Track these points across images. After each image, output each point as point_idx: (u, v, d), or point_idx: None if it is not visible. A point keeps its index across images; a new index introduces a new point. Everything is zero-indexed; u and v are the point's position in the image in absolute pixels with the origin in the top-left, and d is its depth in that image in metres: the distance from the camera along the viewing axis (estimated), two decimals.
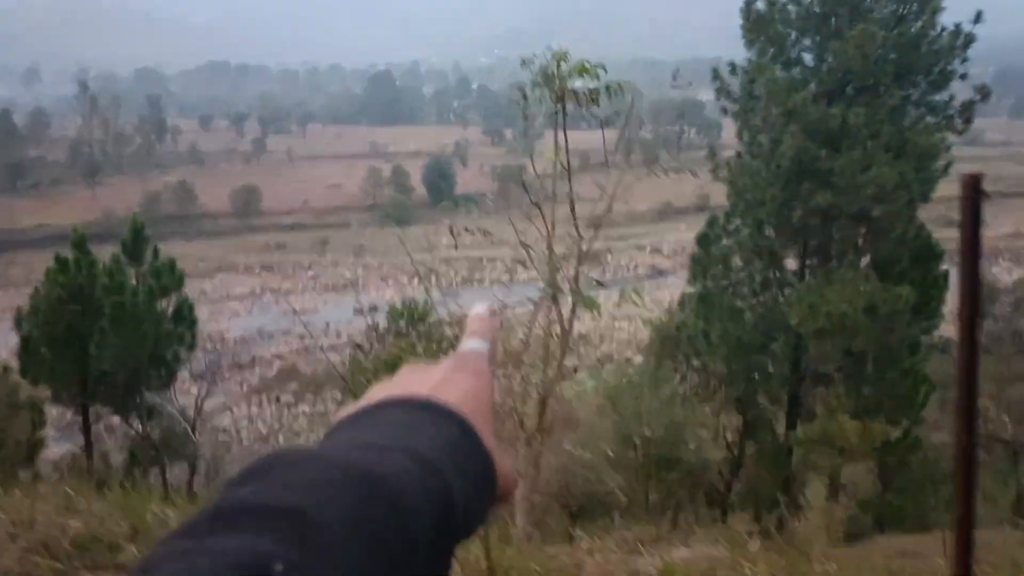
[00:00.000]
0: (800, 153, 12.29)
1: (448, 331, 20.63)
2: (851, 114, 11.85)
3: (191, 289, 51.69)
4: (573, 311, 4.19)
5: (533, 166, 5.08)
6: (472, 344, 0.61)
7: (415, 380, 0.55)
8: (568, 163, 4.34)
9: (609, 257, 52.52)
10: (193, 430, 15.78)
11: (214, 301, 46.05)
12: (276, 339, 40.31)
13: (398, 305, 19.75)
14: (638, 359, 25.66)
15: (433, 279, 49.22)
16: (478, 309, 0.64)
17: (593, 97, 3.41)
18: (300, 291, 48.37)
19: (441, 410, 0.51)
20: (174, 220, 61.62)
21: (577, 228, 4.31)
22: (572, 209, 4.26)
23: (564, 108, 3.32)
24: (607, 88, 3.45)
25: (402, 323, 18.45)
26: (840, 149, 11.99)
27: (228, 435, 30.10)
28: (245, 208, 64.96)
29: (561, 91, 3.20)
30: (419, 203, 67.76)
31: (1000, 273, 42.49)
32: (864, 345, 12.04)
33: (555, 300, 3.86)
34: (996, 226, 59.71)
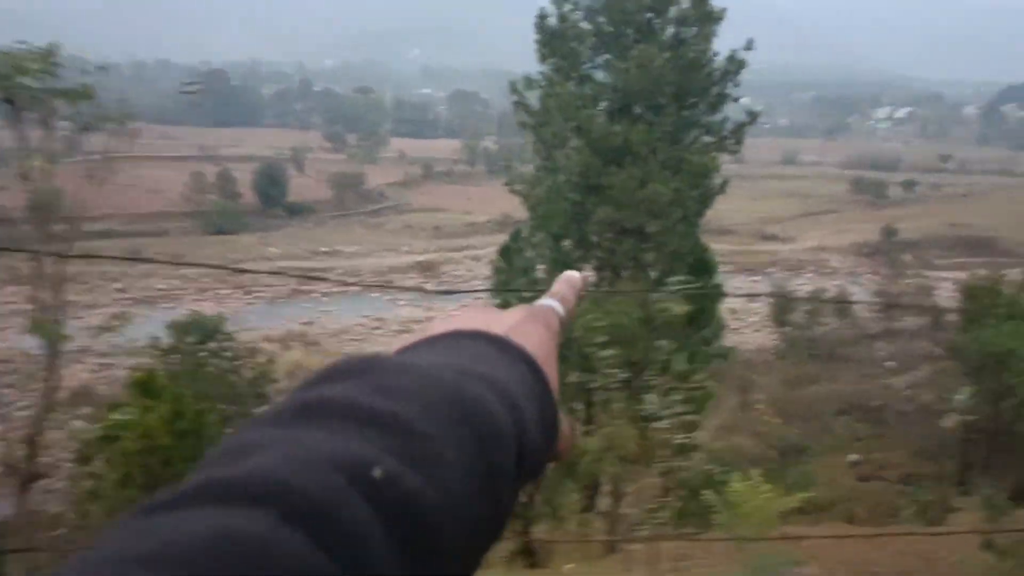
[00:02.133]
0: (585, 168, 12.43)
1: (240, 346, 19.38)
2: (633, 131, 12.10)
3: None
4: None
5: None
6: (549, 301, 0.60)
7: (486, 319, 0.54)
8: None
9: (444, 268, 52.35)
10: None
11: (2, 315, 41.70)
12: (69, 358, 36.94)
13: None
14: None
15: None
16: (571, 273, 0.64)
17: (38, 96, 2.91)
18: (106, 305, 44.69)
19: (515, 349, 0.50)
20: None
21: None
22: None
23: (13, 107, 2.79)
24: (69, 92, 2.94)
25: (189, 340, 17.22)
26: (623, 165, 12.23)
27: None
28: (46, 215, 59.47)
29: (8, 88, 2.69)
30: (248, 210, 64.78)
31: (804, 285, 45.97)
32: (641, 355, 12.32)
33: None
34: (804, 240, 64.78)
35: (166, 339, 18.23)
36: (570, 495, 13.57)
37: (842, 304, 38.23)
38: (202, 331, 17.47)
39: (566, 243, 14.33)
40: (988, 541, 12.14)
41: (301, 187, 71.21)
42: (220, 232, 59.69)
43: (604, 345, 12.58)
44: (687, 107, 12.93)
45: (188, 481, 0.35)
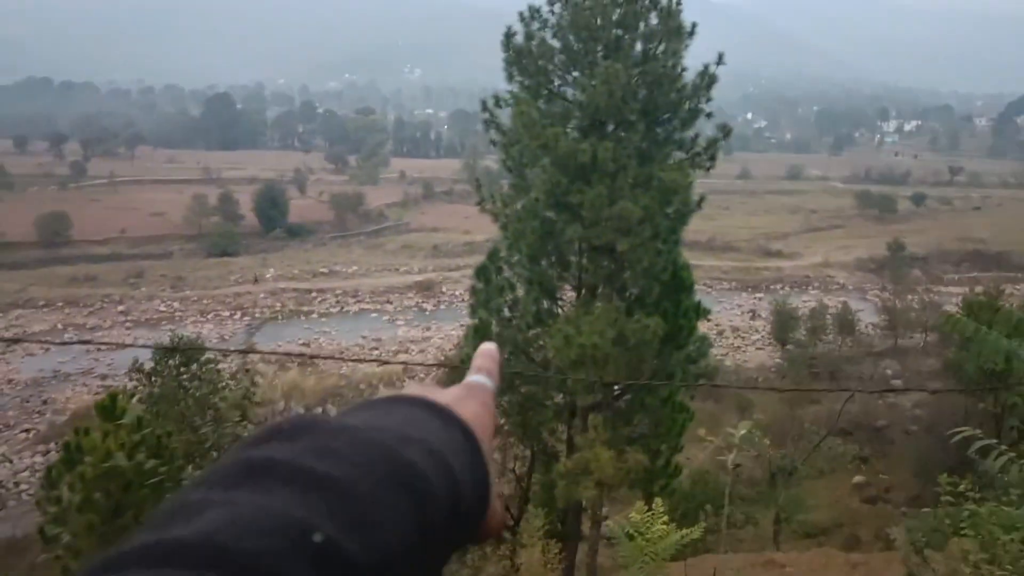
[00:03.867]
0: (554, 186, 12.35)
1: (222, 370, 19.27)
2: (600, 148, 12.02)
3: None
4: None
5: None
6: (479, 378, 0.61)
7: (425, 393, 0.55)
8: None
9: (444, 288, 52.32)
10: None
11: (5, 339, 41.91)
12: (74, 380, 37.02)
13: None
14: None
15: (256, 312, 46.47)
16: (488, 346, 0.65)
17: None
18: (108, 327, 44.85)
19: (452, 417, 0.51)
20: None
21: None
22: None
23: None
24: None
25: (171, 363, 17.17)
26: (591, 183, 12.14)
27: (4, 488, 27.21)
28: (52, 237, 59.92)
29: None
30: (249, 232, 65.11)
31: (808, 302, 45.57)
32: (615, 375, 12.17)
33: None
34: (809, 256, 64.41)
35: (150, 362, 18.18)
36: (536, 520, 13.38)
37: (846, 321, 37.81)
38: (184, 355, 17.39)
39: (542, 263, 14.21)
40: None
41: (302, 208, 71.60)
42: (221, 254, 60.01)
43: (578, 365, 12.45)
44: (658, 123, 12.84)
45: (131, 542, 0.36)
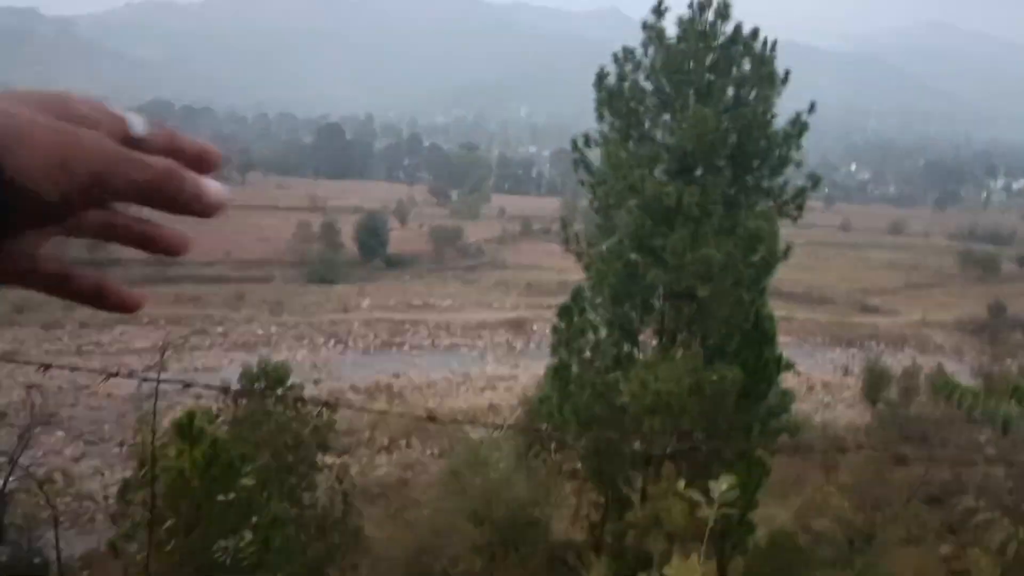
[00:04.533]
0: (638, 228, 12.17)
1: (307, 394, 19.73)
2: (686, 192, 11.79)
3: (85, 340, 49.35)
4: None
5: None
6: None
7: None
8: None
9: (535, 326, 52.24)
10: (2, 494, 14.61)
11: (110, 355, 44.07)
12: (169, 398, 38.62)
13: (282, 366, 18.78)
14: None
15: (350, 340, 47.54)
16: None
17: None
18: (207, 347, 46.79)
19: None
20: (84, 265, 59.55)
21: None
22: None
23: None
24: None
25: (258, 387, 17.65)
26: (675, 227, 11.90)
27: (93, 502, 28.08)
28: (160, 257, 63.27)
29: None
30: (349, 261, 66.97)
31: (903, 360, 43.35)
32: (690, 425, 11.78)
33: None
34: (907, 313, 61.54)
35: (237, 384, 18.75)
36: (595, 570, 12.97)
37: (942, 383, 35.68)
38: (269, 378, 17.87)
39: (625, 305, 13.99)
40: None
41: (402, 239, 73.22)
42: (321, 281, 61.87)
43: (653, 412, 12.11)
44: (746, 170, 12.52)
45: None
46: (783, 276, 13.66)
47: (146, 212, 0.47)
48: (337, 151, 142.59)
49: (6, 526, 14.62)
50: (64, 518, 19.53)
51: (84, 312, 49.41)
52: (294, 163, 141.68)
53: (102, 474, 29.76)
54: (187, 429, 10.22)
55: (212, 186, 0.48)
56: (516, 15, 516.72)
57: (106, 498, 28.24)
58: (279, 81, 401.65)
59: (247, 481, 10.61)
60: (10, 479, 14.79)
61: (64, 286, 0.46)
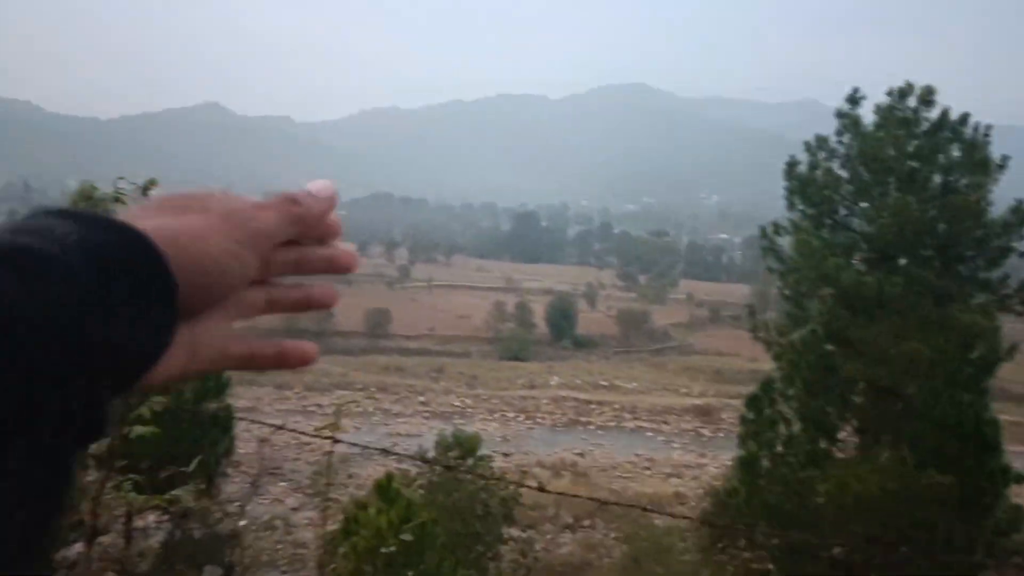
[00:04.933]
0: (833, 319, 11.78)
1: (496, 468, 20.39)
2: (888, 283, 11.31)
3: (309, 402, 53.90)
4: None
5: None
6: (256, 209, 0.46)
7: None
8: None
9: (723, 414, 50.49)
10: (232, 536, 16.23)
11: (327, 416, 47.63)
12: (376, 460, 41.08)
13: (448, 437, 19.78)
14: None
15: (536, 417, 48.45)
16: (323, 183, 0.52)
17: None
18: (409, 415, 49.37)
19: (104, 221, 0.36)
20: (309, 335, 65.51)
21: None
22: None
23: None
24: None
25: (451, 455, 18.51)
26: (875, 319, 11.40)
27: (306, 549, 30.45)
28: (375, 329, 68.23)
29: None
30: (540, 340, 68.62)
31: None
32: (897, 535, 10.93)
33: None
34: None
35: (432, 452, 19.77)
36: None
37: None
38: (462, 448, 18.70)
39: (820, 399, 13.43)
40: None
41: (590, 321, 74.06)
42: (513, 358, 63.74)
43: (853, 516, 11.40)
44: (958, 260, 11.79)
45: None
46: (1013, 377, 12.53)
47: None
48: (532, 237, 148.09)
49: (234, 564, 16.20)
50: (283, 562, 21.32)
51: (310, 377, 54.33)
52: (493, 248, 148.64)
53: (315, 525, 32.23)
54: (387, 490, 10.98)
55: (349, 254, 0.54)
56: (710, 108, 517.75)
57: (318, 548, 30.51)
58: (485, 174, 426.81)
59: (435, 547, 11.14)
60: (240, 523, 16.43)
61: (252, 362, 0.49)
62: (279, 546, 20.67)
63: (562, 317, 69.35)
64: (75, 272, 0.31)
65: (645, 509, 17.43)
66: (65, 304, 0.31)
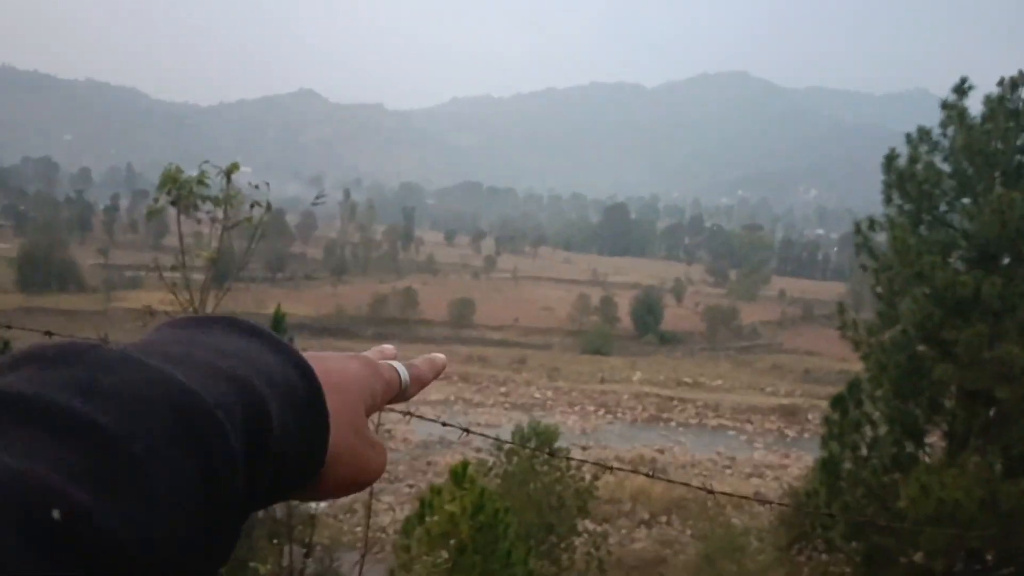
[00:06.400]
0: (924, 319, 11.30)
1: (574, 461, 20.43)
2: (986, 283, 10.77)
3: None
4: None
5: None
6: (397, 363, 0.56)
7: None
8: None
9: (810, 415, 49.01)
10: (311, 517, 16.79)
11: (408, 404, 48.75)
12: (455, 448, 41.74)
13: (525, 427, 19.89)
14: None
15: (618, 412, 48.38)
16: (438, 355, 0.61)
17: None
18: (490, 405, 49.89)
19: (289, 352, 0.43)
20: (395, 323, 66.96)
21: None
22: None
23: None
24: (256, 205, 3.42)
25: (530, 446, 18.66)
26: (969, 320, 10.88)
27: (384, 533, 31.26)
28: (459, 319, 69.04)
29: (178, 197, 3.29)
30: (624, 334, 68.08)
31: None
32: (981, 544, 10.44)
33: None
34: None
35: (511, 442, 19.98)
36: None
37: None
38: (539, 439, 18.83)
39: (908, 401, 12.92)
40: None
41: (676, 317, 73.01)
42: (595, 352, 63.48)
43: (936, 522, 10.94)
44: None
45: None
46: None
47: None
48: (621, 229, 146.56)
49: (314, 544, 16.80)
50: (361, 545, 22.03)
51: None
52: (581, 240, 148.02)
53: (393, 510, 33.08)
54: (461, 476, 11.17)
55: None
56: (812, 100, 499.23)
57: (395, 532, 31.37)
58: (574, 165, 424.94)
59: (508, 535, 11.28)
60: (320, 504, 17.03)
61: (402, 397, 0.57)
62: (358, 528, 21.27)
63: (647, 312, 68.58)
64: (272, 423, 0.38)
65: (745, 498, 17.02)
66: (263, 445, 0.38)
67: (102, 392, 0.31)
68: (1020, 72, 12.14)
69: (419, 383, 0.57)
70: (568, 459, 19.96)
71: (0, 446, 0.27)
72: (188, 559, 0.32)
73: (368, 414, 0.49)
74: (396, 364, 0.55)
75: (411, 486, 36.63)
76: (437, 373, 0.60)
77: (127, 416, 0.31)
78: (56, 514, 0.26)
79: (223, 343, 0.40)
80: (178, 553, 0.31)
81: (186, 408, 0.33)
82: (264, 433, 0.37)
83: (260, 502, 0.39)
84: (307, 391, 0.42)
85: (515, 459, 18.67)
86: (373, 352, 0.57)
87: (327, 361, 0.47)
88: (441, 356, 0.61)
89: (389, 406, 0.52)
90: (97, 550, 0.28)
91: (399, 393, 0.55)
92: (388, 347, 0.59)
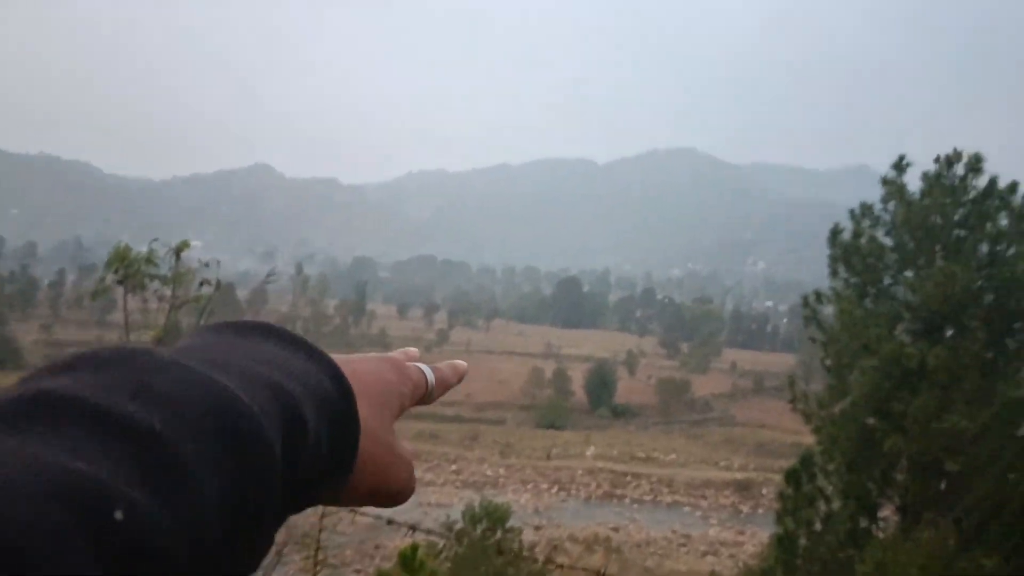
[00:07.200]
0: (873, 391, 11.32)
1: (525, 542, 19.72)
2: (931, 355, 10.87)
3: None
4: None
5: None
6: (423, 366, 0.58)
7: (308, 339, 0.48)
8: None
9: (764, 490, 48.87)
10: None
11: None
12: (403, 532, 40.34)
13: (476, 507, 19.26)
14: None
15: (572, 489, 47.62)
16: (460, 362, 0.64)
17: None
18: (440, 484, 48.69)
19: (321, 356, 0.44)
20: None
21: None
22: None
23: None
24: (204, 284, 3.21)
25: (479, 528, 18.05)
26: (917, 391, 10.92)
27: None
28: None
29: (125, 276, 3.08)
30: (578, 407, 67.66)
31: None
32: None
33: None
34: None
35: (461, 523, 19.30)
36: None
37: None
38: (490, 519, 18.23)
39: (861, 475, 12.84)
40: None
41: (629, 390, 72.92)
42: (549, 426, 62.85)
43: None
44: (1006, 333, 11.30)
45: None
46: None
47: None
48: (574, 302, 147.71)
49: None
50: None
51: None
52: (534, 312, 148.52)
53: None
54: (410, 560, 10.63)
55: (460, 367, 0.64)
56: (756, 176, 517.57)
57: None
58: (528, 238, 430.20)
59: None
60: None
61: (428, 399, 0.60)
62: None
63: (601, 385, 68.44)
64: (308, 427, 0.40)
65: None
66: (299, 447, 0.39)
67: (153, 395, 0.32)
68: (955, 150, 12.59)
69: (443, 386, 0.60)
70: (522, 555, 19.37)
71: (63, 448, 0.28)
72: (232, 562, 0.33)
73: (395, 417, 0.52)
74: (423, 366, 0.57)
75: (358, 571, 35.27)
76: (460, 378, 0.63)
77: (177, 419, 0.32)
78: (119, 515, 0.27)
79: (260, 349, 0.41)
80: (223, 555, 0.32)
81: (231, 413, 0.34)
82: (300, 439, 0.38)
83: (293, 507, 0.41)
84: (340, 399, 0.43)
85: (465, 540, 18.01)
86: (399, 353, 0.59)
87: (358, 364, 0.49)
88: (463, 363, 0.64)
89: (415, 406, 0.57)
90: (155, 551, 0.28)
91: (425, 395, 0.57)
92: (412, 349, 0.61)
